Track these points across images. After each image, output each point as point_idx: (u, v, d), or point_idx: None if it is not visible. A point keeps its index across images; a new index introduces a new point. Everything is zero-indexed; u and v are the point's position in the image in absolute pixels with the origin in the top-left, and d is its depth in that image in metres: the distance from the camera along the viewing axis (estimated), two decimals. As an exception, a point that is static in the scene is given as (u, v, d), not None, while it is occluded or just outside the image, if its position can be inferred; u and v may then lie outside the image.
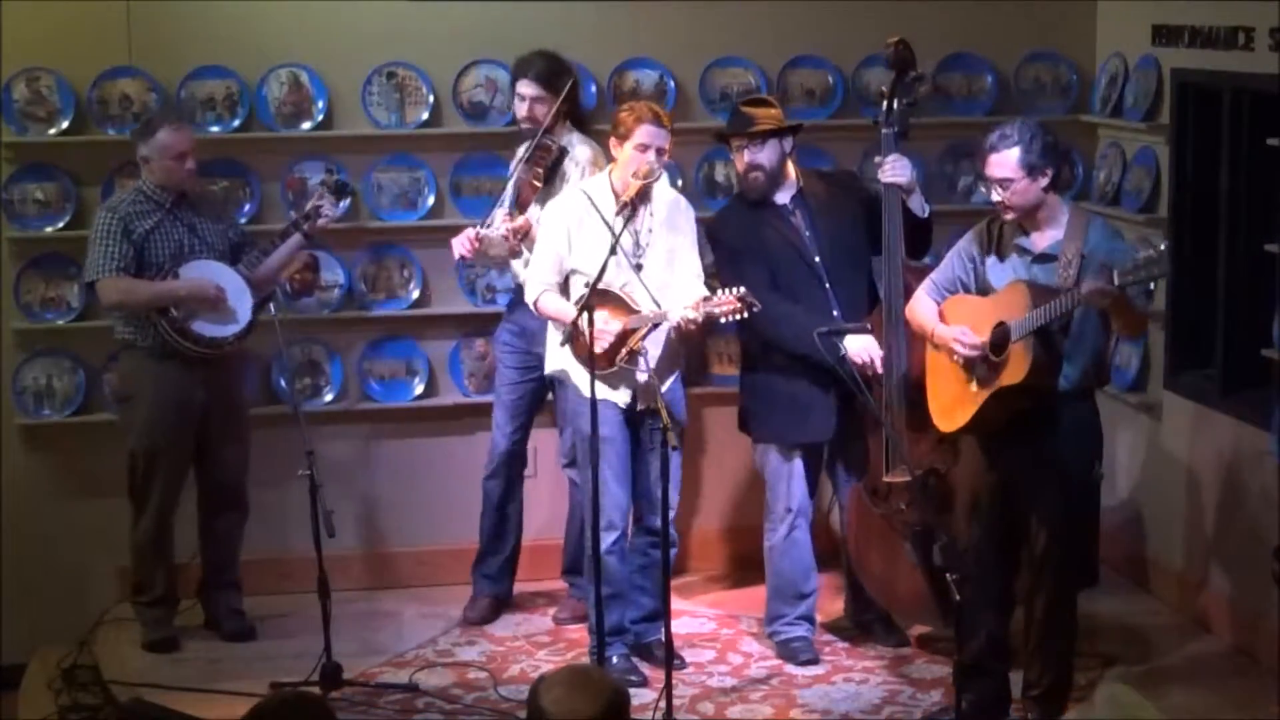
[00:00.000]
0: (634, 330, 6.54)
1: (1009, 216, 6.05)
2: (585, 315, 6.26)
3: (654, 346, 6.60)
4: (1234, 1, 6.84)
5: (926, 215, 6.74)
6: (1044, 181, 5.98)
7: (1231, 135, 6.97)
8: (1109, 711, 4.45)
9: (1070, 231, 6.00)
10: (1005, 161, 5.96)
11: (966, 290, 6.18)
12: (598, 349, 6.39)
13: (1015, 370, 5.93)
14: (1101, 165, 7.81)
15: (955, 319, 6.15)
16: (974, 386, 6.07)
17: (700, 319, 6.45)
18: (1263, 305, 6.74)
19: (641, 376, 6.48)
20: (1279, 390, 6.50)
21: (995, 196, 6.04)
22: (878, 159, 6.70)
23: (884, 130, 6.70)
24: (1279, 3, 6.53)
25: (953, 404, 6.17)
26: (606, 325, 6.46)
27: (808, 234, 6.74)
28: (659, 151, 6.57)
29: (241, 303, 6.90)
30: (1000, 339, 5.97)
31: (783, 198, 6.78)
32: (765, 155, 6.70)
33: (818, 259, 6.71)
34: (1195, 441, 7.22)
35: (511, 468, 7.35)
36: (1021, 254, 6.06)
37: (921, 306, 6.28)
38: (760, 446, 6.90)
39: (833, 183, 6.94)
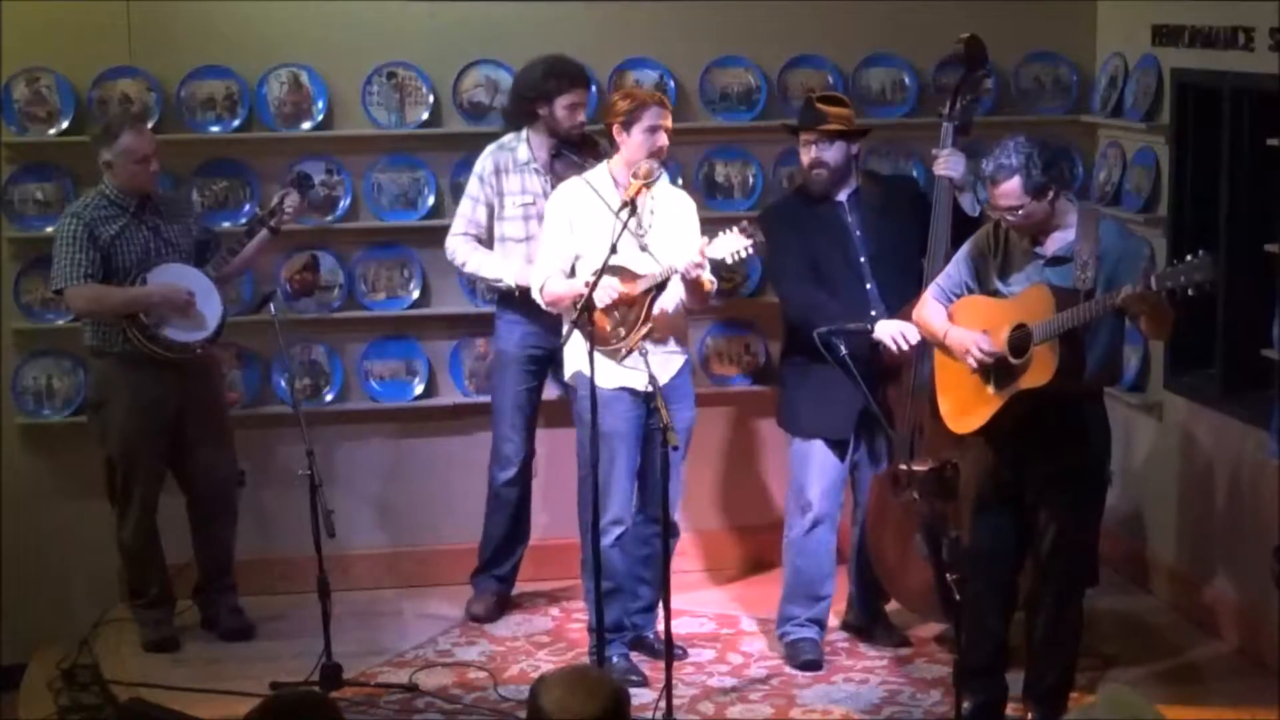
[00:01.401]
0: (644, 293, 6.51)
1: (1027, 231, 6.03)
2: (594, 285, 6.26)
3: (661, 320, 6.57)
4: (1234, 1, 6.84)
5: (977, 214, 6.69)
6: (1051, 194, 5.94)
7: (1231, 135, 6.97)
8: (1110, 712, 4.46)
9: (1082, 232, 5.96)
10: (1009, 192, 5.91)
11: (972, 294, 6.16)
12: (603, 301, 6.40)
13: (1040, 373, 5.88)
14: (1101, 165, 7.81)
15: (966, 321, 6.11)
16: (991, 389, 6.02)
17: (705, 262, 6.42)
18: (1263, 305, 6.74)
19: (640, 369, 6.50)
20: (1279, 390, 6.50)
21: (1008, 221, 6.01)
22: (935, 150, 6.71)
23: (945, 124, 6.70)
24: (1279, 3, 6.53)
25: (968, 405, 6.12)
26: (613, 289, 6.45)
27: (858, 233, 6.72)
28: (666, 131, 6.59)
29: (210, 306, 6.88)
30: (1021, 341, 5.95)
31: (840, 195, 6.77)
32: (832, 154, 6.69)
33: (863, 259, 6.69)
34: (1195, 441, 7.22)
35: (529, 470, 7.36)
36: (1034, 259, 6.04)
37: (929, 310, 6.24)
38: (787, 437, 6.89)
39: (888, 185, 6.95)
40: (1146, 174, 7.46)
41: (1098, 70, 7.86)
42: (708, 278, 6.49)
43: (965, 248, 6.24)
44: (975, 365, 6.02)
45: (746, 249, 6.38)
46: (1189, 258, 5.64)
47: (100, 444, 7.02)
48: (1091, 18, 7.90)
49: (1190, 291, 5.65)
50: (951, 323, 6.15)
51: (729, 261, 6.45)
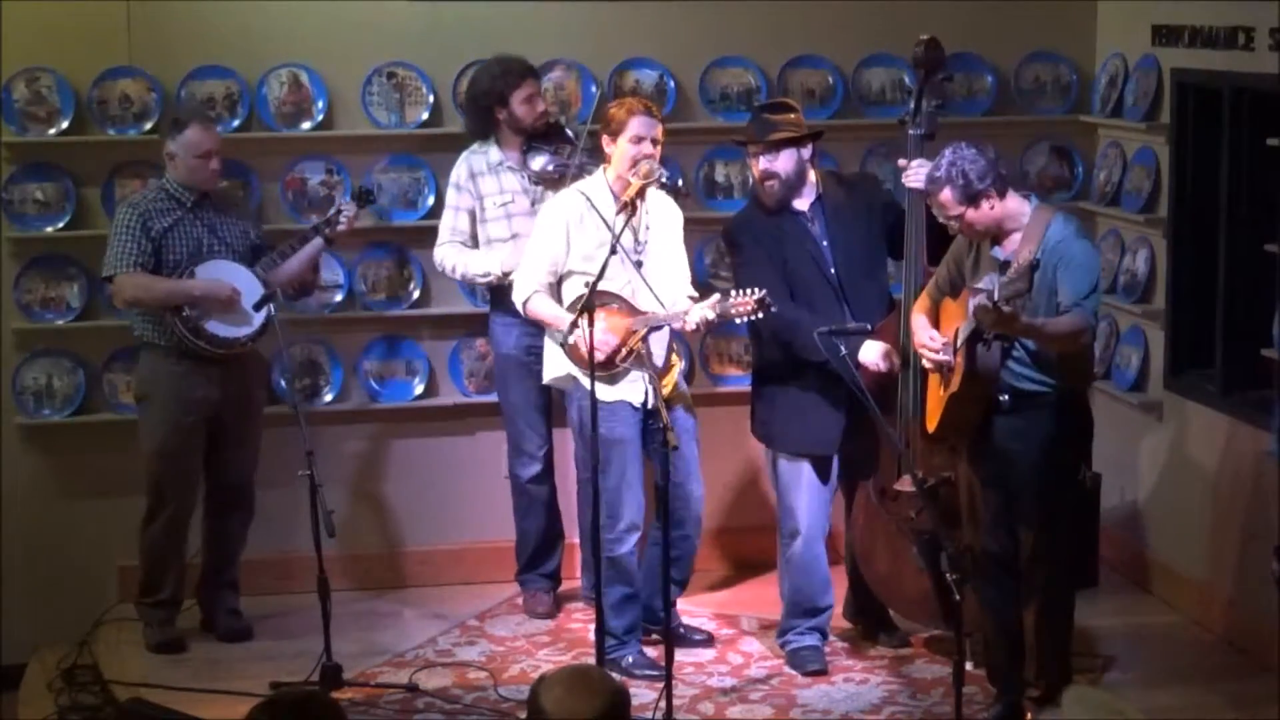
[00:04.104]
0: (637, 331, 6.53)
1: (977, 237, 6.06)
2: (585, 317, 6.25)
3: (657, 346, 6.60)
4: (1234, 1, 6.84)
5: None
6: (991, 201, 5.96)
7: (1231, 135, 6.97)
8: (1080, 712, 4.48)
9: (1026, 234, 5.98)
10: (944, 203, 5.97)
11: (955, 292, 6.19)
12: (598, 357, 6.38)
13: (956, 379, 5.99)
14: (1101, 165, 7.81)
15: (945, 321, 6.18)
16: (942, 390, 6.14)
17: (715, 319, 6.45)
18: (1263, 305, 6.74)
19: (641, 376, 6.51)
20: (1279, 390, 6.50)
21: (953, 228, 6.09)
22: (902, 162, 6.63)
23: (910, 132, 6.62)
24: (1279, 2, 6.53)
25: (933, 405, 6.25)
26: (604, 332, 6.43)
27: (825, 243, 6.65)
28: (653, 141, 6.57)
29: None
30: (955, 345, 6.02)
31: (801, 204, 6.68)
32: (781, 163, 6.61)
33: (834, 270, 6.64)
34: (1195, 441, 7.21)
35: (552, 464, 7.37)
36: (993, 263, 6.07)
37: (918, 309, 6.32)
38: (769, 453, 6.85)
39: (852, 187, 6.84)
40: (1146, 174, 7.46)
41: (1098, 70, 7.86)
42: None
43: (952, 246, 6.30)
44: (929, 366, 6.13)
45: (756, 317, 6.37)
46: (1015, 264, 5.67)
47: (142, 437, 7.02)
48: (1091, 18, 7.90)
49: (1020, 301, 5.65)
50: (941, 319, 6.21)
51: (737, 322, 6.47)
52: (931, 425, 6.24)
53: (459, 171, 7.24)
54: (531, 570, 7.42)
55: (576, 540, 7.46)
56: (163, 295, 6.84)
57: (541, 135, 7.15)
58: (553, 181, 7.08)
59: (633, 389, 6.62)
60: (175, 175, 6.91)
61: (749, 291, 6.36)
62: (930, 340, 6.14)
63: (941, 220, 6.12)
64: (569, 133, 7.16)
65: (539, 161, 7.12)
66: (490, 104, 7.17)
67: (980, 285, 5.99)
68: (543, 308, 6.68)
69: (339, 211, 7.04)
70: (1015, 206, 6.03)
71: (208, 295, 6.83)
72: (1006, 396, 6.00)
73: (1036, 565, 6.10)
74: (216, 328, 6.86)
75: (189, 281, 6.85)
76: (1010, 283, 5.62)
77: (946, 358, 6.07)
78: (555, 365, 6.76)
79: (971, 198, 5.92)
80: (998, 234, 6.04)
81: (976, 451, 6.16)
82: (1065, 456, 6.14)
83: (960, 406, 6.02)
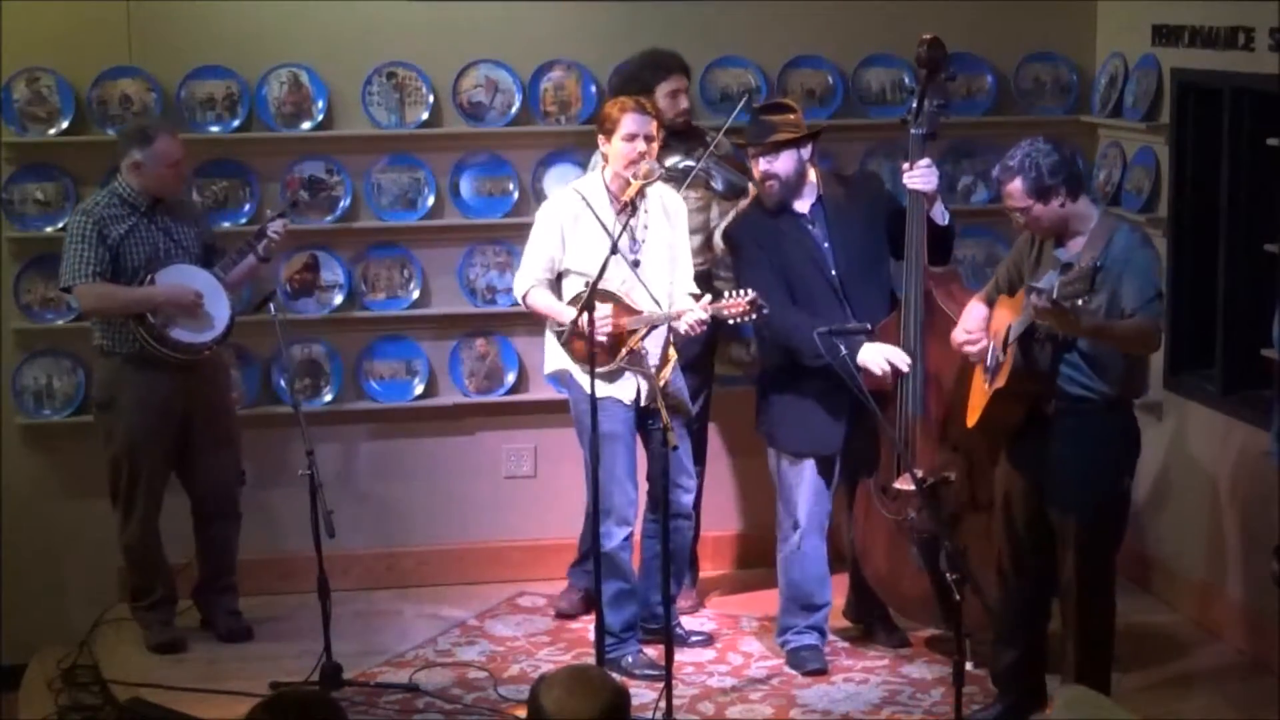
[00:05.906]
0: (634, 331, 6.54)
1: (1042, 234, 6.05)
2: (584, 315, 6.26)
3: (654, 345, 6.61)
4: (1234, 1, 6.85)
5: (947, 223, 6.67)
6: (1060, 199, 5.92)
7: (1231, 135, 6.97)
8: (1073, 713, 4.49)
9: (1091, 240, 5.96)
10: (1013, 193, 5.93)
11: (1013, 291, 6.18)
12: (600, 339, 6.40)
13: (1003, 375, 5.97)
14: (1101, 165, 7.81)
15: (997, 317, 6.15)
16: (986, 385, 6.11)
17: (708, 320, 6.45)
18: (1263, 305, 6.74)
19: (641, 381, 6.52)
20: (1279, 390, 6.50)
21: (1017, 221, 6.04)
22: (905, 165, 6.63)
23: (913, 131, 6.61)
24: (1279, 3, 6.53)
25: (975, 399, 6.21)
26: (604, 318, 6.45)
27: (826, 245, 6.65)
28: (647, 139, 6.56)
29: (218, 307, 6.87)
30: (1006, 341, 5.99)
31: (802, 205, 6.68)
32: (781, 165, 6.61)
33: (834, 272, 6.64)
34: (1195, 441, 7.22)
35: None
36: (1055, 263, 6.05)
37: (969, 306, 6.29)
38: (772, 451, 6.86)
39: (852, 187, 6.85)
40: (1146, 174, 7.46)
41: (1098, 70, 7.86)
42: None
43: (1012, 249, 6.30)
44: (970, 354, 6.12)
45: (749, 319, 6.38)
46: (1079, 266, 5.65)
47: (105, 444, 7.01)
48: (1091, 18, 7.90)
49: (1080, 301, 5.62)
50: (994, 315, 6.18)
51: (729, 324, 6.47)
52: (972, 420, 6.21)
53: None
54: (580, 565, 7.36)
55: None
56: (126, 303, 6.81)
57: (680, 134, 7.12)
58: (679, 181, 7.04)
59: (623, 386, 6.63)
60: (138, 183, 6.85)
61: (741, 293, 6.37)
62: (965, 334, 6.13)
63: (1007, 213, 6.09)
64: (707, 139, 7.11)
65: (672, 160, 7.06)
66: (636, 90, 7.06)
67: (1038, 284, 5.98)
68: (541, 301, 6.70)
69: (266, 227, 6.96)
70: (1084, 209, 6.01)
71: (171, 301, 6.80)
72: (1051, 400, 5.99)
73: (1073, 568, 6.05)
74: (180, 334, 6.83)
75: (151, 289, 6.81)
76: (1070, 283, 5.58)
77: (978, 350, 6.06)
78: (553, 359, 6.76)
79: (1041, 192, 5.90)
80: (1062, 233, 6.02)
81: (1016, 456, 6.13)
82: (1110, 465, 6.07)
83: (1003, 403, 5.99)
